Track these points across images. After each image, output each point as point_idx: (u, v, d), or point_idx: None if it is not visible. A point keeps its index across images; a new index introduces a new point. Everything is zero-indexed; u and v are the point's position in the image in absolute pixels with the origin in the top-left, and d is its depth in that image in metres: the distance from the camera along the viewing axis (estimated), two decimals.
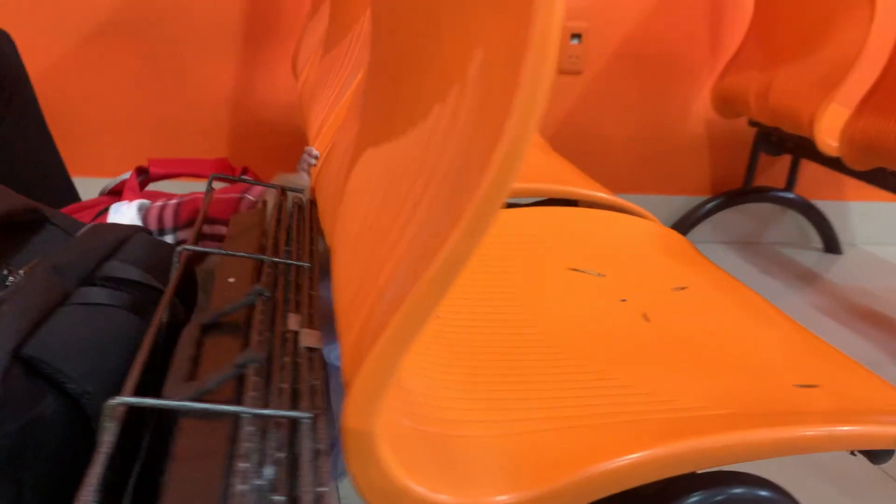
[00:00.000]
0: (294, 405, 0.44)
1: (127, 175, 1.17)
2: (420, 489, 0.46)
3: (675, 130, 2.10)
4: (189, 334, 0.55)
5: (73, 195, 1.35)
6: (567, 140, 2.06)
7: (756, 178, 2.14)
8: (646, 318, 0.72)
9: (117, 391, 0.47)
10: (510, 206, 1.04)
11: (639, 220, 0.97)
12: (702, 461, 0.50)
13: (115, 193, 1.19)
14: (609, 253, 0.87)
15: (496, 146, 0.40)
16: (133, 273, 0.63)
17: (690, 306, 0.75)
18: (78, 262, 0.63)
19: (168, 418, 0.46)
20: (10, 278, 0.58)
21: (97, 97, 1.79)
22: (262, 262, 0.62)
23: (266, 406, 0.43)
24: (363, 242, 0.54)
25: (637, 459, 0.48)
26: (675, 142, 2.11)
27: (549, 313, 0.71)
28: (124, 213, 0.89)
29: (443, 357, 0.61)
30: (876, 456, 0.58)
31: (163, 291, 0.64)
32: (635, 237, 0.92)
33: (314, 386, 0.46)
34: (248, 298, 0.55)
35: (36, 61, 1.70)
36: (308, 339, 0.51)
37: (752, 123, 2.02)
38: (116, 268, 0.64)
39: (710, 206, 2.11)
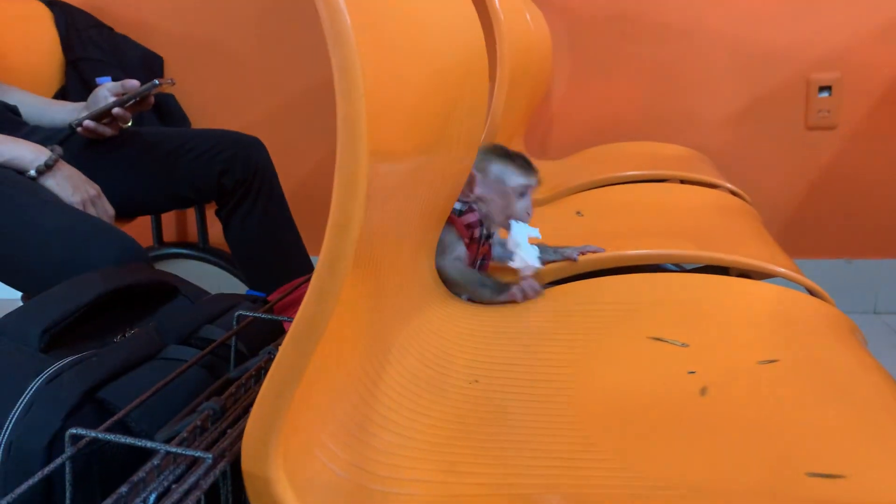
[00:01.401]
0: (210, 447, 0.51)
1: None
2: None
3: None
4: (216, 384, 0.65)
5: (309, 270, 1.58)
6: (826, 199, 1.86)
7: None
8: (703, 391, 0.66)
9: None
10: (649, 270, 1.00)
11: (775, 289, 0.87)
12: None
13: None
14: (710, 322, 0.80)
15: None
16: (217, 334, 0.76)
17: (764, 381, 0.66)
18: (180, 326, 0.77)
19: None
20: (117, 337, 0.73)
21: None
22: None
23: (189, 446, 0.51)
24: None
25: None
26: None
27: (593, 381, 0.69)
28: None
29: (435, 415, 0.63)
30: None
31: (246, 353, 0.76)
32: (756, 307, 0.83)
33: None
34: (259, 356, 0.63)
35: (286, 160, 2.01)
36: None
37: None
38: (208, 330, 0.77)
39: None
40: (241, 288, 1.79)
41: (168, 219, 2.11)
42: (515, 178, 0.92)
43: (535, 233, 0.93)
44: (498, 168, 0.92)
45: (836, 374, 0.68)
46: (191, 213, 2.10)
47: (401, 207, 0.71)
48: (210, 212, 2.03)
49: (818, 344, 0.74)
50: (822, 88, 1.79)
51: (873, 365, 0.71)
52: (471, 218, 0.92)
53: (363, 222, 0.46)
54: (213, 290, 0.94)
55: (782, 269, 0.96)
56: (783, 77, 1.82)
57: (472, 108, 0.83)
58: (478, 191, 0.92)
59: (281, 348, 0.46)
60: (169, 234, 2.11)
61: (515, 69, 1.14)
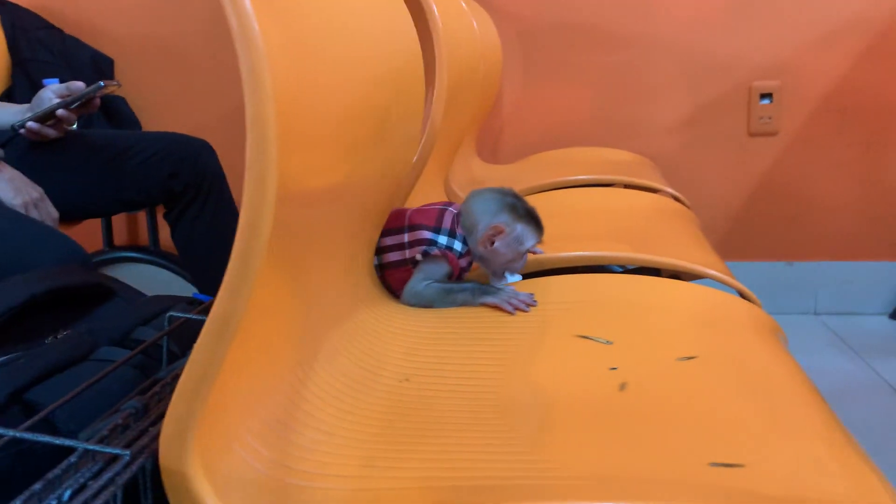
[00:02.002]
0: (130, 445, 0.51)
1: None
2: None
3: None
4: (143, 385, 0.66)
5: None
6: (768, 203, 1.91)
7: None
8: (623, 387, 0.68)
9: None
10: (597, 271, 1.03)
11: (702, 290, 0.90)
12: None
13: None
14: (636, 321, 0.82)
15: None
16: (149, 335, 0.76)
17: (681, 377, 0.69)
18: (114, 327, 0.78)
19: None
20: (48, 339, 0.74)
21: None
22: None
23: (110, 444, 0.51)
24: None
25: None
26: None
27: (519, 378, 0.70)
28: None
29: (361, 412, 0.64)
30: None
31: (179, 354, 0.76)
32: (681, 307, 0.86)
33: None
34: (187, 356, 0.64)
35: (237, 164, 2.00)
36: None
37: None
38: (142, 332, 0.77)
39: None
40: (191, 291, 1.79)
41: (119, 222, 2.09)
42: (531, 240, 0.93)
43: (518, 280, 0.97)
44: (521, 229, 0.92)
45: (749, 370, 0.71)
46: (142, 217, 2.09)
47: (332, 209, 0.73)
48: (161, 215, 2.02)
49: (737, 342, 0.77)
50: (763, 96, 1.84)
51: (788, 362, 0.74)
52: (465, 262, 0.94)
53: (276, 221, 0.47)
54: (163, 294, 0.94)
55: (711, 271, 0.99)
56: (726, 85, 1.87)
57: (407, 112, 0.84)
58: (497, 244, 0.91)
59: (196, 345, 0.47)
60: (120, 237, 2.09)
61: (455, 75, 1.16)
